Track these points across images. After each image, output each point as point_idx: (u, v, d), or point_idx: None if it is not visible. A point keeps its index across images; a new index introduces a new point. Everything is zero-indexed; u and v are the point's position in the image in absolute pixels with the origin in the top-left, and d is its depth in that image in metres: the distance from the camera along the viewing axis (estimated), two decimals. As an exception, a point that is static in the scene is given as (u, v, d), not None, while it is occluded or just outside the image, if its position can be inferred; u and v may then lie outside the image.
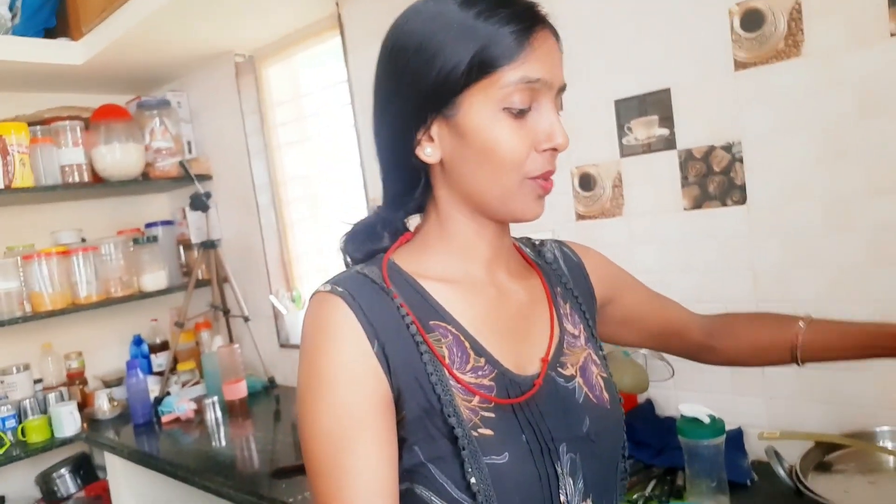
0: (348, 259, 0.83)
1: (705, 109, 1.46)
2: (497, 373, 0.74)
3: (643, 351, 1.50)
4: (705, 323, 1.01)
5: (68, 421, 2.45)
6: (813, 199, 1.33)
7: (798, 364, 0.93)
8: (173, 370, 2.77)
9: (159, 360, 2.87)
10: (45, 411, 2.51)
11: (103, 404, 2.57)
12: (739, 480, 1.31)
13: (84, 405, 2.65)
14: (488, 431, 0.70)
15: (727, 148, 1.43)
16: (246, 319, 2.67)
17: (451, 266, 0.79)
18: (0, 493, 2.50)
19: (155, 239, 2.83)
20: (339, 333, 0.69)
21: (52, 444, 2.43)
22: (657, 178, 1.55)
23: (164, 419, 2.42)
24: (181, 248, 3.03)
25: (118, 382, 2.75)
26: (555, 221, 1.73)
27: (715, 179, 1.45)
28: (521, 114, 0.71)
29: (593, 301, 0.93)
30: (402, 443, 0.70)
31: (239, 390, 2.43)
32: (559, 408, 0.76)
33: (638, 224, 1.60)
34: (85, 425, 2.51)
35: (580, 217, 1.69)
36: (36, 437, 2.42)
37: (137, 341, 2.93)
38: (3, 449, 2.32)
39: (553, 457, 0.72)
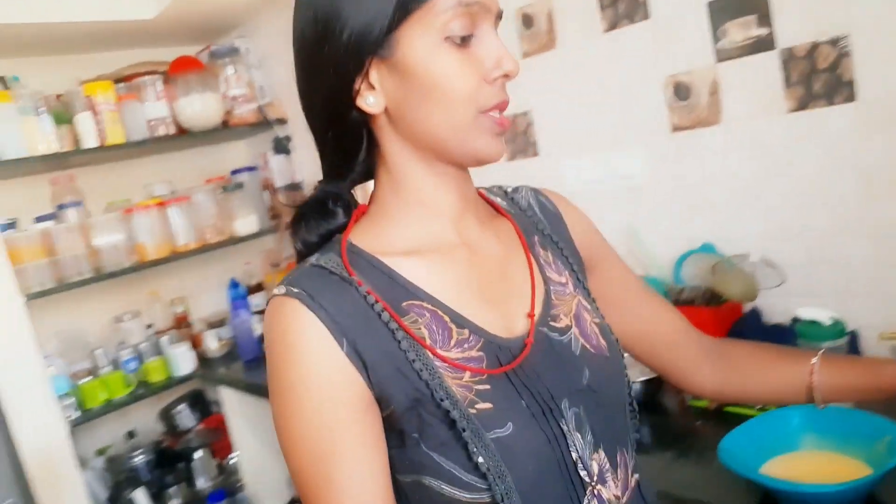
0: (300, 246, 0.75)
1: (806, 2, 1.39)
2: (484, 341, 0.70)
3: (752, 259, 1.49)
4: (705, 342, 0.93)
5: (184, 360, 2.62)
6: (931, 89, 1.27)
7: (819, 406, 0.85)
8: (271, 309, 2.88)
9: (256, 301, 3.00)
10: (160, 353, 2.69)
11: (212, 344, 2.73)
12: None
13: (193, 346, 2.81)
14: (486, 405, 0.65)
15: (833, 42, 1.37)
16: (335, 256, 2.74)
17: (416, 233, 0.73)
18: (129, 428, 2.71)
19: (241, 185, 2.91)
20: (301, 340, 0.65)
21: (171, 382, 2.61)
22: (757, 82, 1.50)
23: (270, 354, 2.53)
24: (267, 192, 3.11)
25: (221, 323, 2.90)
26: (649, 133, 1.70)
27: (820, 78, 1.40)
28: (464, 42, 0.66)
29: (577, 252, 0.85)
30: (400, 436, 0.67)
31: (335, 323, 2.52)
32: (555, 364, 0.72)
33: (737, 130, 1.55)
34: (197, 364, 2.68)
35: (676, 128, 1.65)
36: (156, 376, 2.60)
37: (234, 284, 3.06)
38: (131, 389, 2.51)
39: (556, 415, 0.68)
